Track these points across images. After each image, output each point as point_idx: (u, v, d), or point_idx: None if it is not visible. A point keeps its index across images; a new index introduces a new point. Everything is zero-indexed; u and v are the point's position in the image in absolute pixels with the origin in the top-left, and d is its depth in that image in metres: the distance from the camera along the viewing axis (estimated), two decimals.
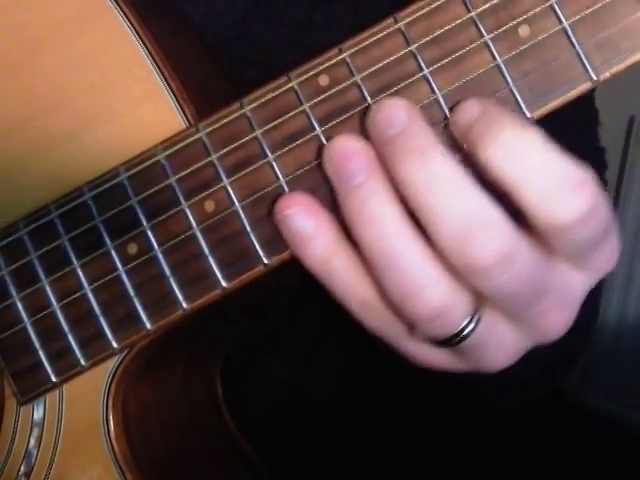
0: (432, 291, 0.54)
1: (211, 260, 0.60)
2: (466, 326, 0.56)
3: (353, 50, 0.58)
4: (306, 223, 0.57)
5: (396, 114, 0.55)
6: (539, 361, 0.63)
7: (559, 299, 0.58)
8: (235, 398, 0.78)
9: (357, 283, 0.57)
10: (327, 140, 0.58)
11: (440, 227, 0.53)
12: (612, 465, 1.28)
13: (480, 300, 0.56)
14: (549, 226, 0.53)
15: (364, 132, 0.57)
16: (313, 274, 0.58)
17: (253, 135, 0.60)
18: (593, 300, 0.60)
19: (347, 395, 0.93)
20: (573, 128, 0.86)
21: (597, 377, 1.83)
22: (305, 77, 0.59)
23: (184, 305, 0.61)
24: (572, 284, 0.58)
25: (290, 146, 0.59)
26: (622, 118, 1.78)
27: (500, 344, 0.59)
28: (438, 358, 0.60)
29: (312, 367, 0.89)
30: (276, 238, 0.59)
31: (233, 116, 0.60)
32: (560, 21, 0.55)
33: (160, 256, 0.61)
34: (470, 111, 0.55)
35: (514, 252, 0.53)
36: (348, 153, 0.56)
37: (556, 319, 0.58)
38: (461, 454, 1.11)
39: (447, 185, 0.53)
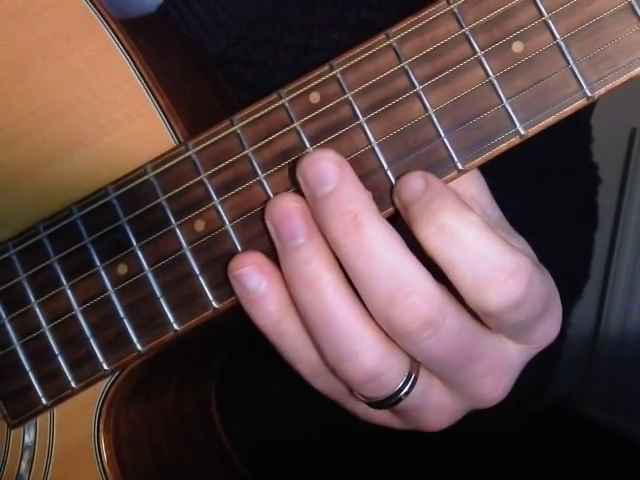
0: (366, 356, 0.55)
1: (202, 280, 0.60)
2: (401, 388, 0.56)
3: (344, 67, 0.58)
4: (258, 282, 0.57)
5: (326, 171, 0.55)
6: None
7: (493, 366, 0.58)
8: (229, 412, 0.78)
9: (306, 346, 0.58)
10: None
11: (368, 290, 0.54)
12: (612, 476, 1.28)
13: (415, 363, 0.57)
14: (480, 310, 0.54)
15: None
16: (264, 334, 0.58)
17: (244, 153, 0.59)
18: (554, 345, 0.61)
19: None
20: (566, 146, 0.85)
21: (598, 388, 1.82)
22: (296, 94, 0.58)
23: (175, 326, 0.60)
24: (508, 353, 0.59)
25: (281, 164, 0.58)
26: (624, 130, 1.78)
27: (437, 407, 0.59)
28: (379, 417, 0.62)
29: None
30: (268, 258, 0.58)
31: (223, 134, 0.59)
32: (554, 37, 0.55)
33: (150, 276, 0.60)
34: (413, 186, 0.55)
35: (440, 318, 0.54)
36: (288, 213, 0.56)
37: (491, 385, 0.59)
38: (459, 466, 1.10)
39: (377, 250, 0.54)
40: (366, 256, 0.53)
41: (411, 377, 0.57)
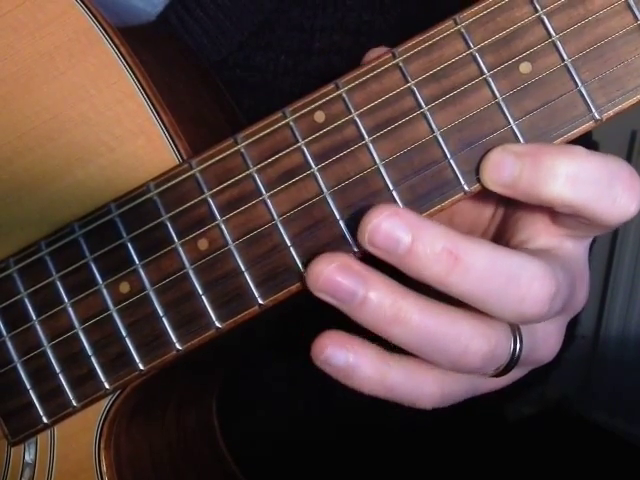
0: (476, 344, 0.55)
1: (205, 300, 0.59)
2: (514, 348, 0.57)
3: (350, 86, 0.57)
4: (345, 357, 0.55)
5: (392, 230, 0.53)
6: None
7: (581, 277, 0.60)
8: (231, 428, 0.77)
9: (422, 382, 0.57)
10: (323, 178, 0.57)
11: (495, 304, 0.54)
12: (612, 477, 1.29)
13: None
14: (626, 218, 0.54)
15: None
16: (378, 396, 0.58)
17: (248, 172, 0.58)
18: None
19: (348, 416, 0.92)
20: None
21: (598, 390, 1.82)
22: (301, 113, 0.58)
23: (177, 346, 0.60)
24: (576, 256, 0.60)
25: (285, 184, 0.58)
26: (624, 133, 1.77)
27: (545, 338, 0.60)
28: (504, 380, 0.62)
29: (311, 386, 0.88)
30: (271, 278, 0.58)
31: (227, 152, 0.59)
32: (562, 58, 0.54)
33: (152, 295, 0.60)
34: (507, 162, 0.54)
35: (558, 283, 0.54)
36: (331, 278, 0.54)
37: (582, 291, 0.61)
38: (459, 467, 1.10)
39: (485, 269, 0.53)
40: (479, 279, 0.53)
41: (517, 335, 0.57)
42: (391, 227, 0.53)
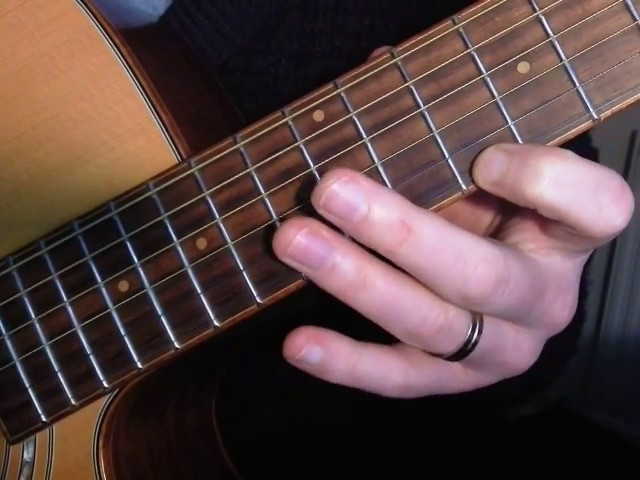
0: (434, 314, 0.55)
1: (203, 299, 0.59)
2: (473, 331, 0.57)
3: (349, 85, 0.57)
4: (318, 353, 0.56)
5: (350, 197, 0.53)
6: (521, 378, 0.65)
7: (557, 290, 0.59)
8: (230, 428, 0.78)
9: (388, 372, 0.58)
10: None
11: (439, 280, 0.54)
12: (612, 478, 1.28)
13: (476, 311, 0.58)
14: (612, 230, 0.54)
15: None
16: (344, 385, 0.58)
17: (246, 171, 0.58)
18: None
19: (345, 417, 0.92)
20: None
21: (598, 391, 1.82)
22: (300, 112, 0.58)
23: (176, 344, 0.60)
24: (563, 272, 0.60)
25: (284, 183, 0.58)
26: (624, 133, 1.77)
27: (516, 344, 0.60)
28: (471, 383, 0.62)
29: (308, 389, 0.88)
30: (270, 277, 0.58)
31: (226, 152, 0.59)
32: (560, 58, 0.54)
33: (151, 294, 0.60)
34: (497, 160, 0.55)
35: (507, 271, 0.54)
36: (300, 244, 0.54)
37: (560, 307, 0.60)
38: (459, 467, 1.10)
39: (436, 242, 0.53)
40: (427, 252, 0.53)
41: (477, 322, 0.57)
42: (350, 194, 0.53)
